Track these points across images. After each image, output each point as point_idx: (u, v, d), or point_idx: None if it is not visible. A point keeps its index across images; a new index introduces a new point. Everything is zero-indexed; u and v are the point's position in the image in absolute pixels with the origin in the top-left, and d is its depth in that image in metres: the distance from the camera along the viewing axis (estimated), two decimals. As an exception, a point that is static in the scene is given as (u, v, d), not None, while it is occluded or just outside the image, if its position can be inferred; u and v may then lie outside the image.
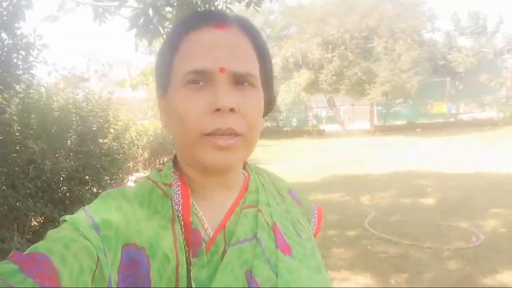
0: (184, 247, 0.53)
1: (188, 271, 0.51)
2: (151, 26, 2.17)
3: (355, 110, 25.32)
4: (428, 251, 4.19)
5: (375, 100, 22.19)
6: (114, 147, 5.70)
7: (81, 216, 0.50)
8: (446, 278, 3.51)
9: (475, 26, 26.09)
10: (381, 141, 16.46)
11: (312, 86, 21.21)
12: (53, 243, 0.45)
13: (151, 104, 15.54)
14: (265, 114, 0.63)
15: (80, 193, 4.77)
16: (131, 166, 7.20)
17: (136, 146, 7.88)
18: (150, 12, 2.14)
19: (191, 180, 0.59)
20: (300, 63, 20.90)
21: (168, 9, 2.32)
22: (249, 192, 0.63)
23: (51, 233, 0.48)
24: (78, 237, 0.47)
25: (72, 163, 4.59)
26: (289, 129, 26.65)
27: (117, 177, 6.02)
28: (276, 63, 21.03)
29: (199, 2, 2.30)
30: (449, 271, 3.66)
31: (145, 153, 9.27)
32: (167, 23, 2.32)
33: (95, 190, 5.20)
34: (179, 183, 0.58)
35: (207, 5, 2.37)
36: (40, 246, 0.45)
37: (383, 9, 22.18)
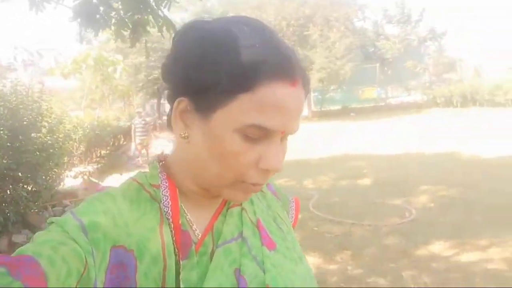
0: (174, 250, 0.53)
1: (177, 273, 0.52)
2: (97, 16, 2.07)
3: (293, 96, 25.90)
4: (368, 228, 4.52)
5: (312, 87, 22.89)
6: (49, 142, 5.35)
7: (69, 219, 0.50)
8: (385, 252, 3.82)
9: (401, 15, 27.93)
10: (318, 127, 17.11)
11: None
12: (41, 245, 0.45)
13: (85, 93, 14.65)
14: None
15: (15, 191, 4.46)
16: (66, 161, 6.80)
17: (72, 140, 7.44)
18: (95, 1, 2.05)
19: (182, 185, 0.59)
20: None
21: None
22: None
23: (39, 236, 0.48)
24: (67, 240, 0.47)
25: (4, 160, 4.25)
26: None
27: (54, 173, 5.69)
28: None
29: None
30: (388, 246, 3.98)
31: (81, 146, 8.80)
32: (114, 13, 2.23)
33: (30, 188, 4.88)
34: (167, 185, 0.58)
35: None
36: (28, 249, 0.45)
37: (317, -4, 22.82)
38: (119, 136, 14.37)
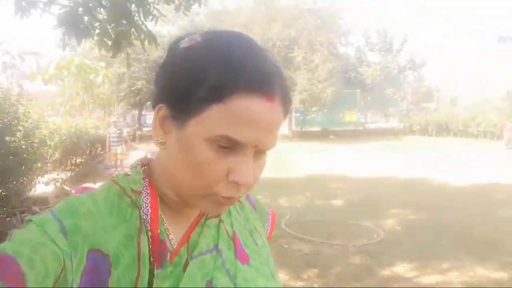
0: (149, 258, 0.53)
1: (150, 283, 0.51)
2: (81, 26, 2.13)
3: (274, 116, 26.20)
4: (337, 247, 4.61)
5: (293, 107, 23.27)
6: (23, 146, 5.28)
7: (50, 219, 0.50)
8: (350, 271, 3.91)
9: (383, 43, 28.83)
10: (298, 147, 17.33)
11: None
12: (21, 245, 0.45)
13: (65, 100, 14.47)
14: None
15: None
16: (39, 167, 6.69)
17: (47, 146, 7.33)
18: (80, 11, 2.12)
19: (163, 193, 0.59)
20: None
21: (100, 10, 2.31)
22: None
23: (18, 234, 0.48)
24: (46, 241, 0.47)
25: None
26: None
27: (25, 178, 5.59)
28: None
29: (132, 6, 2.31)
30: (354, 265, 4.08)
31: (56, 153, 8.66)
32: (97, 23, 2.30)
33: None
34: (148, 192, 0.57)
35: (140, 8, 2.38)
36: (8, 247, 0.45)
37: (303, 21, 23.44)
38: (96, 145, 14.20)
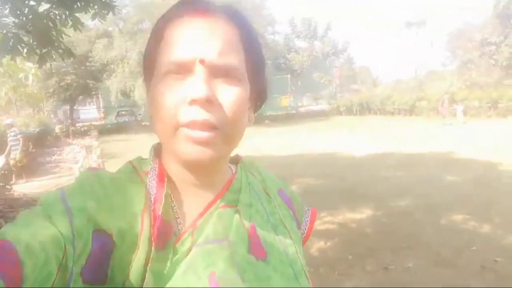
0: (150, 238, 0.51)
1: (147, 262, 0.50)
2: (10, 47, 2.79)
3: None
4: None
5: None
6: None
7: (56, 200, 0.49)
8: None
9: (308, 31, 30.65)
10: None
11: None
12: (21, 229, 0.44)
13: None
14: (256, 110, 0.63)
15: None
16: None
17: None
18: (10, 37, 2.79)
19: (172, 172, 0.58)
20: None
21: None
22: (230, 191, 0.60)
23: (22, 216, 0.48)
24: (48, 225, 0.46)
25: None
26: (148, 123, 26.78)
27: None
28: (132, 57, 21.09)
29: (54, 33, 3.00)
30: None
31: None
32: (24, 45, 2.97)
33: None
34: (156, 172, 0.57)
35: (60, 23, 3.03)
36: (8, 232, 0.43)
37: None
38: (28, 143, 14.11)
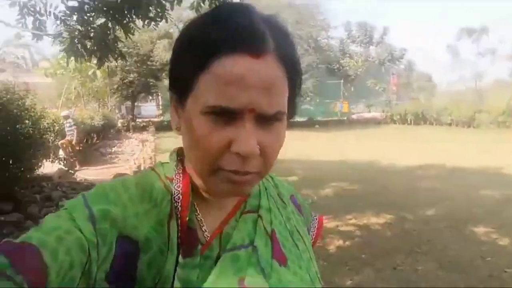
0: (178, 246, 0.52)
1: (175, 270, 0.51)
2: (77, 47, 3.40)
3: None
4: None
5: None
6: (31, 132, 6.53)
7: (80, 205, 0.50)
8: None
9: (363, 36, 30.20)
10: (288, 135, 18.61)
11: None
12: (47, 234, 0.45)
13: (63, 93, 15.70)
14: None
15: (2, 173, 5.62)
16: (44, 151, 7.93)
17: (51, 132, 8.57)
18: (76, 42, 3.40)
19: (196, 180, 0.56)
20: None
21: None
22: (251, 196, 0.61)
23: (48, 219, 0.48)
24: (73, 229, 0.46)
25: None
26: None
27: (34, 160, 6.85)
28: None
29: (110, 41, 3.60)
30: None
31: (57, 140, 9.92)
32: (88, 50, 3.58)
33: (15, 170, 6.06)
34: (180, 179, 0.57)
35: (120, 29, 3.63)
36: (34, 236, 0.44)
37: (282, 16, 24.70)
38: (92, 134, 15.48)
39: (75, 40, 3.48)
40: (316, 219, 0.75)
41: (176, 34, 25.56)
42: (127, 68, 22.22)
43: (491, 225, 4.84)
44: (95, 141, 15.60)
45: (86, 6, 3.18)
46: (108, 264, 0.48)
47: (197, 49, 0.49)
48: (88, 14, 3.34)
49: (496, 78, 32.41)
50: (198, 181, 0.56)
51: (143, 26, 4.65)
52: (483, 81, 31.46)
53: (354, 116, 30.63)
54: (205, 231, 0.56)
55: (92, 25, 3.42)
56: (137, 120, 26.45)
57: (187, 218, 0.54)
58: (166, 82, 24.57)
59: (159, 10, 3.88)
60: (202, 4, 3.98)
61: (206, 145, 0.49)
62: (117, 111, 32.34)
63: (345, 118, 28.91)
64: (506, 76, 32.19)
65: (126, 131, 21.65)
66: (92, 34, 3.55)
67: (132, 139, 17.58)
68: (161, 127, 23.95)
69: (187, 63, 0.51)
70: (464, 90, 30.99)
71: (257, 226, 0.59)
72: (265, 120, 0.50)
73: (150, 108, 38.31)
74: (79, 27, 3.40)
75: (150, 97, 37.49)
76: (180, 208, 0.54)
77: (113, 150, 14.17)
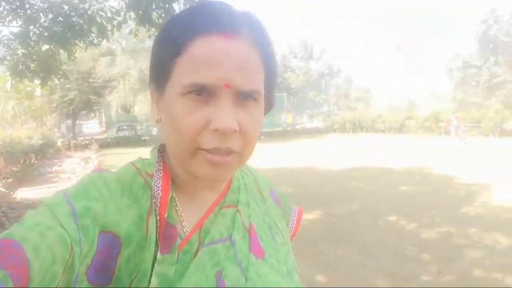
0: (156, 241, 0.52)
1: (153, 266, 0.51)
2: (21, 70, 3.68)
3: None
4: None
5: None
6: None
7: (61, 201, 0.49)
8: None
9: (304, 52, 31.98)
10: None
11: (168, 98, 22.59)
12: (28, 230, 0.44)
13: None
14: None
15: None
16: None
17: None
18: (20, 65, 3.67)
19: (176, 175, 0.58)
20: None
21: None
22: (231, 190, 0.62)
23: (29, 216, 0.47)
24: (55, 225, 0.46)
25: None
26: (148, 137, 27.71)
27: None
28: (133, 75, 22.17)
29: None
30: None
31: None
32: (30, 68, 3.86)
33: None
34: (161, 175, 0.57)
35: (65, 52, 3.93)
36: (15, 232, 0.44)
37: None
38: (30, 154, 14.96)
39: (19, 62, 3.74)
40: (296, 212, 0.76)
41: (119, 50, 25.47)
42: (67, 86, 21.71)
43: (402, 214, 5.61)
44: (33, 161, 15.08)
45: (31, 32, 3.46)
46: (89, 259, 0.48)
47: (174, 36, 0.52)
48: (33, 39, 3.62)
49: (431, 89, 35.47)
50: (179, 171, 0.57)
51: (86, 49, 4.94)
52: (420, 91, 34.31)
53: (298, 127, 31.94)
54: (185, 226, 0.56)
55: (35, 48, 3.71)
56: (79, 138, 25.70)
57: (166, 214, 0.54)
58: (108, 98, 24.34)
59: (100, 38, 4.23)
60: (138, 32, 4.36)
61: (185, 124, 0.50)
62: (56, 130, 31.19)
63: (290, 128, 30.07)
64: (439, 87, 35.12)
65: (66, 150, 20.97)
66: (35, 57, 3.83)
67: (74, 158, 17.14)
68: (105, 144, 23.48)
69: (164, 50, 0.53)
70: (395, 100, 33.58)
71: (235, 220, 0.59)
72: (242, 98, 0.51)
73: (92, 126, 37.24)
74: (22, 50, 3.67)
75: (93, 115, 36.53)
76: (159, 205, 0.54)
77: (53, 169, 13.78)
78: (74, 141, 22.60)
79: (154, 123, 0.57)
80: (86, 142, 23.34)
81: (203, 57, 0.49)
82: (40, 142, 15.08)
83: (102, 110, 30.03)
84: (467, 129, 19.14)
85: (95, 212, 0.50)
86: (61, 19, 3.43)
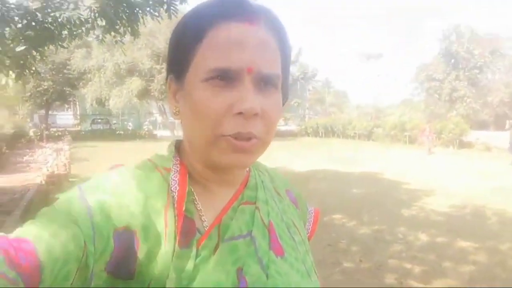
0: (175, 235, 0.52)
1: (172, 260, 0.50)
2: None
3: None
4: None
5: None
6: None
7: (76, 198, 0.50)
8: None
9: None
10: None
11: (144, 93, 22.25)
12: (42, 228, 0.44)
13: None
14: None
15: None
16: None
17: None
18: None
19: (194, 169, 0.58)
20: (134, 71, 22.20)
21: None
22: (248, 188, 0.62)
23: (43, 213, 0.48)
24: (69, 223, 0.46)
25: None
26: (122, 132, 27.72)
27: None
28: (109, 68, 22.13)
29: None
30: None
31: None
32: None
33: None
34: (178, 169, 0.57)
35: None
36: (29, 231, 0.44)
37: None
38: (1, 143, 14.93)
39: (-6, 59, 4.09)
40: (312, 213, 0.76)
41: (95, 43, 25.20)
42: (41, 75, 21.54)
43: (346, 213, 6.21)
44: (4, 150, 15.06)
45: (7, 34, 3.82)
46: (107, 255, 0.48)
47: (196, 23, 0.53)
48: (9, 39, 3.96)
49: (404, 98, 36.82)
50: (197, 166, 0.57)
51: (56, 52, 5.21)
52: (391, 99, 35.55)
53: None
54: (204, 220, 0.56)
55: (10, 46, 4.05)
56: (52, 129, 25.47)
57: (184, 208, 0.54)
58: (83, 91, 24.17)
59: (69, 42, 4.59)
60: (104, 38, 4.73)
61: (206, 110, 0.50)
62: (28, 119, 30.67)
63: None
64: (414, 95, 36.26)
65: (39, 140, 20.85)
66: (10, 54, 4.19)
67: (46, 149, 17.11)
68: (79, 137, 23.40)
69: (186, 38, 0.54)
70: (369, 107, 34.73)
71: (254, 217, 0.59)
72: (262, 85, 0.52)
73: (66, 117, 36.75)
74: (-1, 47, 4.02)
75: (67, 106, 36.04)
76: (176, 199, 0.54)
77: (24, 159, 13.85)
78: (46, 132, 22.46)
79: (173, 115, 0.58)
80: (59, 133, 23.22)
81: (226, 42, 0.51)
82: (12, 131, 15.08)
83: (77, 102, 29.81)
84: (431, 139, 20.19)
85: (110, 207, 0.50)
86: (34, 24, 3.79)
